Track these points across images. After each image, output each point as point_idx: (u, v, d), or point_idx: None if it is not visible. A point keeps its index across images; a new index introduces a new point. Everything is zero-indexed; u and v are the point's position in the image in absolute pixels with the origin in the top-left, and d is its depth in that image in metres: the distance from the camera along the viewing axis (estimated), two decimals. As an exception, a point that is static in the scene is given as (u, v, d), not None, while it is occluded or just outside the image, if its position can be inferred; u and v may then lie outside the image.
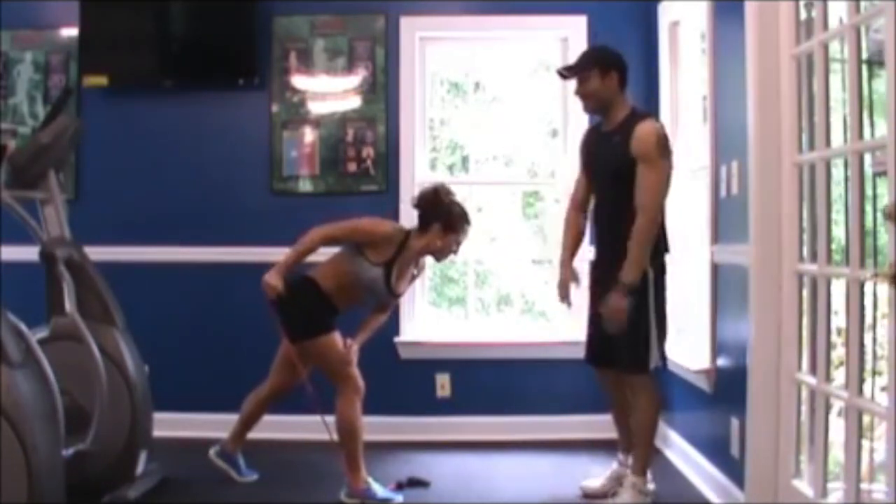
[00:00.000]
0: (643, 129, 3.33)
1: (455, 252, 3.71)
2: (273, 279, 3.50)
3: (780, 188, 3.10)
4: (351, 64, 4.64)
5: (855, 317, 2.67)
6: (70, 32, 4.60)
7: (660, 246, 3.40)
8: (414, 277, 3.84)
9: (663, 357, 3.42)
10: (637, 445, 3.47)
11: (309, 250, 3.59)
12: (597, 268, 3.63)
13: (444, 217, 3.61)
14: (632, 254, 3.28)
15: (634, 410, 3.46)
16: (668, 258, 3.48)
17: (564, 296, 3.71)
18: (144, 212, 4.60)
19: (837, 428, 2.94)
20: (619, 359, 3.46)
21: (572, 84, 4.65)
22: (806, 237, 3.03)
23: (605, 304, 3.32)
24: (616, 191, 3.44)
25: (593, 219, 3.66)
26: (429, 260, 3.88)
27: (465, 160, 5.70)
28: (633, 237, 3.28)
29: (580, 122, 4.61)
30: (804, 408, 3.03)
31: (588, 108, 3.53)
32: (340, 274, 3.62)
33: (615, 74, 3.43)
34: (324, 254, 3.70)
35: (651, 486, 3.48)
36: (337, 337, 3.59)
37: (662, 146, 3.33)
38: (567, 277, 3.69)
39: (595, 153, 3.57)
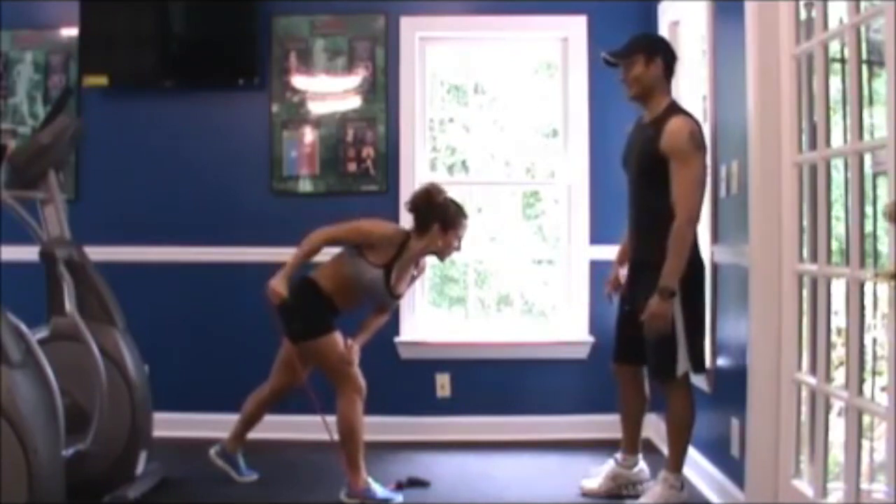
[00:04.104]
0: (674, 124, 3.27)
1: (458, 248, 3.71)
2: (279, 286, 3.49)
3: (780, 188, 3.10)
4: (351, 64, 4.64)
5: (855, 317, 2.67)
6: (70, 32, 4.60)
7: (692, 251, 3.30)
8: (414, 278, 3.84)
9: (698, 362, 3.36)
10: (671, 444, 3.43)
11: (311, 252, 3.60)
12: (629, 266, 3.60)
13: (440, 216, 3.60)
14: (669, 257, 3.22)
15: (669, 412, 3.44)
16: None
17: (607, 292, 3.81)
18: (144, 212, 4.60)
19: (837, 428, 2.94)
20: (648, 364, 3.46)
21: (572, 84, 4.69)
22: (806, 237, 3.03)
23: (646, 310, 3.26)
24: (641, 186, 3.42)
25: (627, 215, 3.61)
26: (430, 260, 3.89)
27: (464, 161, 5.71)
28: (670, 239, 3.22)
29: (580, 122, 4.63)
30: (804, 408, 3.03)
31: (630, 94, 3.45)
32: (340, 275, 3.62)
33: (660, 61, 3.38)
34: (324, 254, 3.71)
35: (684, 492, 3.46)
36: (338, 337, 3.59)
37: (694, 142, 3.26)
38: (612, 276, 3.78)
39: (630, 145, 3.53)
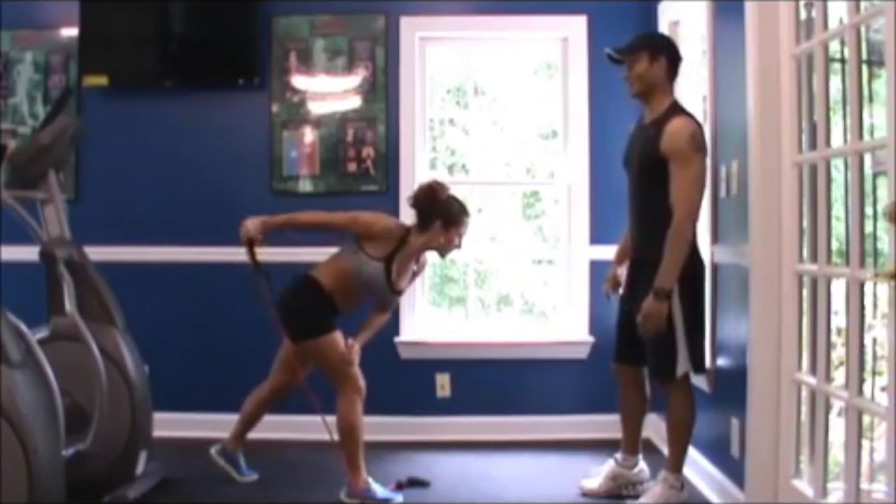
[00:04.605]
0: (674, 125, 3.27)
1: (459, 246, 3.71)
2: (252, 223, 3.55)
3: (780, 188, 3.10)
4: (351, 64, 4.64)
5: (855, 317, 2.67)
6: (70, 32, 4.60)
7: (691, 251, 3.30)
8: (415, 275, 3.84)
9: (698, 363, 3.36)
10: (671, 444, 3.43)
11: (301, 223, 3.63)
12: (629, 265, 3.60)
13: (443, 213, 3.61)
14: (666, 257, 3.22)
15: (669, 412, 3.44)
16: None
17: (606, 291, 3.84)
18: (144, 212, 4.60)
19: (837, 428, 2.94)
20: (648, 364, 3.46)
21: (572, 84, 4.68)
22: (806, 237, 3.03)
23: (641, 310, 3.26)
24: (642, 186, 3.42)
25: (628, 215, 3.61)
26: (430, 260, 3.89)
27: (464, 164, 5.70)
28: (668, 239, 3.22)
29: (580, 122, 4.63)
30: (804, 408, 3.03)
31: (633, 92, 3.45)
32: (341, 271, 3.62)
33: (664, 60, 3.38)
34: (326, 254, 3.71)
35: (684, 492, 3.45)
36: (338, 336, 3.59)
37: (695, 143, 3.25)
38: (611, 274, 3.81)
39: (632, 144, 3.53)
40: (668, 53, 3.42)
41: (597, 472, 3.72)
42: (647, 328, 3.27)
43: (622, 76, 3.48)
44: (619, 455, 3.68)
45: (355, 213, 3.66)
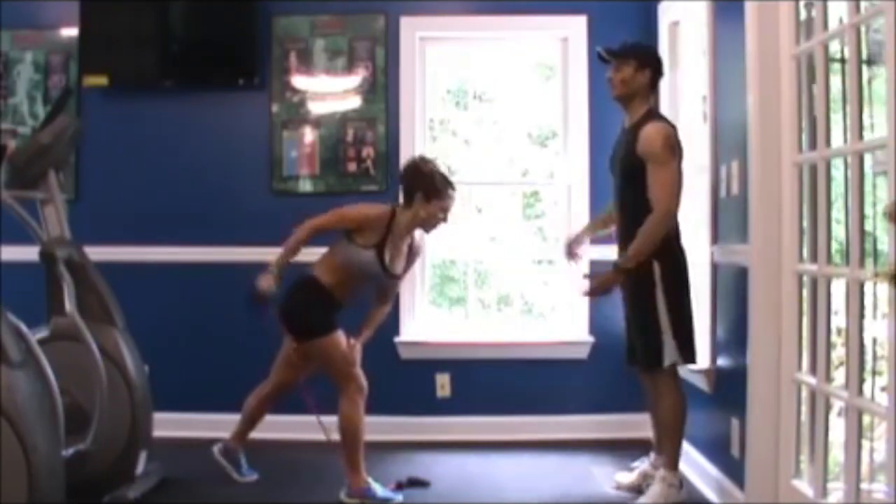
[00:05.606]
0: (648, 130, 3.38)
1: (444, 220, 3.69)
2: (270, 277, 3.51)
3: (780, 188, 3.11)
4: (351, 64, 4.64)
5: (855, 317, 2.67)
6: (70, 32, 4.60)
7: (673, 245, 3.41)
8: (412, 257, 3.81)
9: (687, 354, 3.41)
10: (664, 441, 3.49)
11: (300, 243, 3.60)
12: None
13: (424, 185, 3.61)
14: (636, 241, 3.33)
15: (659, 408, 3.50)
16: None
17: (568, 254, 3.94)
18: (144, 212, 4.60)
19: (837, 428, 2.94)
20: (639, 357, 3.50)
21: (572, 84, 4.69)
22: (806, 237, 3.03)
23: (595, 274, 3.46)
24: (626, 189, 3.51)
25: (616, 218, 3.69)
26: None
27: (464, 163, 5.70)
28: (643, 226, 3.31)
29: (580, 122, 4.63)
30: (804, 408, 3.03)
31: (614, 94, 3.56)
32: (336, 265, 3.63)
33: (649, 73, 3.50)
34: (321, 254, 3.71)
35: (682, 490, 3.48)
36: (341, 336, 3.59)
37: (669, 146, 3.36)
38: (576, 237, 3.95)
39: (615, 149, 3.65)
40: (653, 68, 3.53)
41: (634, 467, 3.77)
42: (592, 288, 3.49)
43: (606, 76, 3.54)
44: (652, 455, 3.71)
45: (338, 209, 3.67)
